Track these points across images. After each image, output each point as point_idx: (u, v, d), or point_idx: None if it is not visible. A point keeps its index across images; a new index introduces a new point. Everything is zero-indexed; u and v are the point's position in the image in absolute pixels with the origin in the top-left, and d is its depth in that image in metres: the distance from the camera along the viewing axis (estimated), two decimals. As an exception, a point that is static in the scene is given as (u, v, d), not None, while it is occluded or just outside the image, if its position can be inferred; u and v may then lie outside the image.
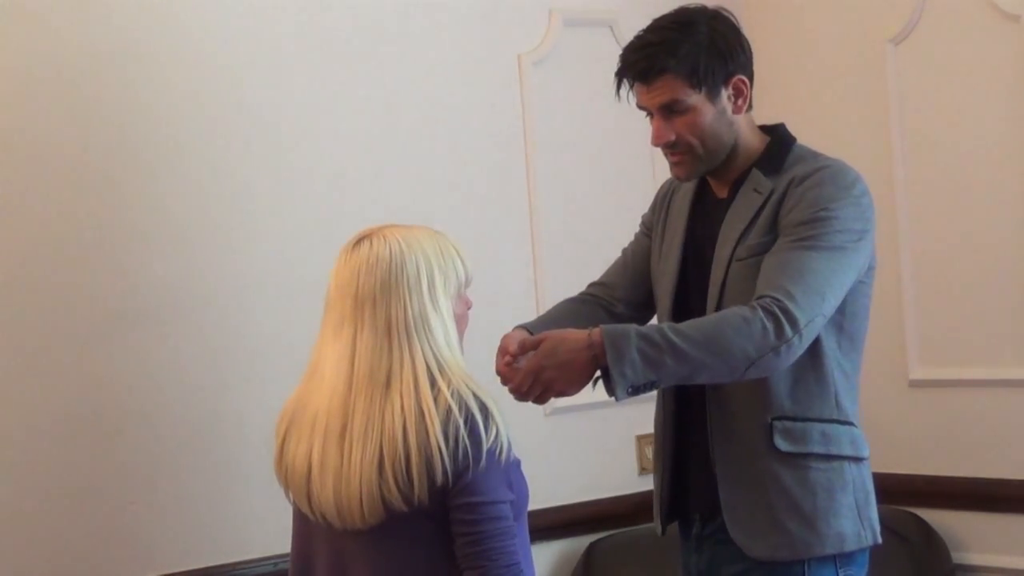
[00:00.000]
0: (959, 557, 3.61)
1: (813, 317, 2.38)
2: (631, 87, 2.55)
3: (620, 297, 2.77)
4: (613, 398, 2.36)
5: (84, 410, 3.01)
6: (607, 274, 2.84)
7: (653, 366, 2.32)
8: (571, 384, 2.38)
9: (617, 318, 2.70)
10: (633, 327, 2.36)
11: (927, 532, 3.59)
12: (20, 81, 2.99)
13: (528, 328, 2.62)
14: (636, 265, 2.78)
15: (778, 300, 2.36)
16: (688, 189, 2.68)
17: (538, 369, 2.37)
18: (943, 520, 3.62)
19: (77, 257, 3.03)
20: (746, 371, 2.37)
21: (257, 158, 3.25)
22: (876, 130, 3.73)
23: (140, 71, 3.11)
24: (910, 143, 3.68)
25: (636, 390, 2.35)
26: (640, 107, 2.58)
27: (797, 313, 2.35)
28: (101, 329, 3.04)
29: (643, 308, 2.76)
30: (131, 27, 3.10)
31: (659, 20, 2.56)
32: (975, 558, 3.61)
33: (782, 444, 2.49)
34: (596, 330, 2.35)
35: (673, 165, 2.59)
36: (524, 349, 2.42)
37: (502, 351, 2.51)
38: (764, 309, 2.35)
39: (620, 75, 2.54)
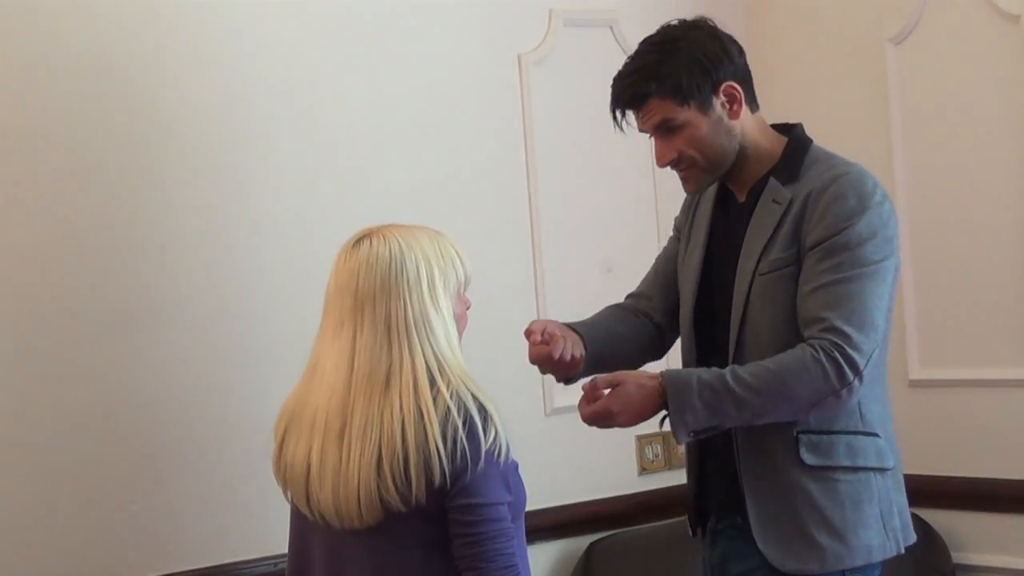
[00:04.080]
0: (959, 557, 3.61)
1: (871, 353, 2.42)
2: (624, 115, 2.59)
3: (656, 307, 2.80)
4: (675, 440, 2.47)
5: (85, 411, 3.01)
6: (641, 284, 2.87)
7: (715, 414, 2.41)
8: (637, 423, 2.47)
9: (657, 327, 2.78)
10: (696, 375, 2.43)
11: (927, 532, 3.59)
12: (24, 80, 2.98)
13: (576, 328, 2.66)
14: (667, 271, 2.81)
15: (837, 344, 2.39)
16: (712, 192, 2.69)
17: (610, 413, 2.45)
18: (943, 520, 3.62)
19: (80, 257, 3.03)
20: (807, 413, 2.45)
21: (258, 159, 3.24)
22: (876, 130, 3.73)
23: (142, 72, 3.11)
24: (910, 143, 3.68)
25: (698, 434, 2.45)
26: (641, 131, 2.61)
27: (857, 357, 2.39)
28: (103, 329, 3.04)
29: (677, 315, 2.77)
30: (135, 27, 3.10)
31: (643, 43, 2.59)
32: (975, 558, 3.61)
33: (809, 457, 2.50)
34: (662, 380, 2.43)
35: (682, 181, 2.63)
36: (598, 385, 2.46)
37: (533, 339, 2.59)
38: (824, 352, 2.39)
39: (612, 106, 2.58)
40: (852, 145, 3.59)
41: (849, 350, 2.39)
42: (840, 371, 2.39)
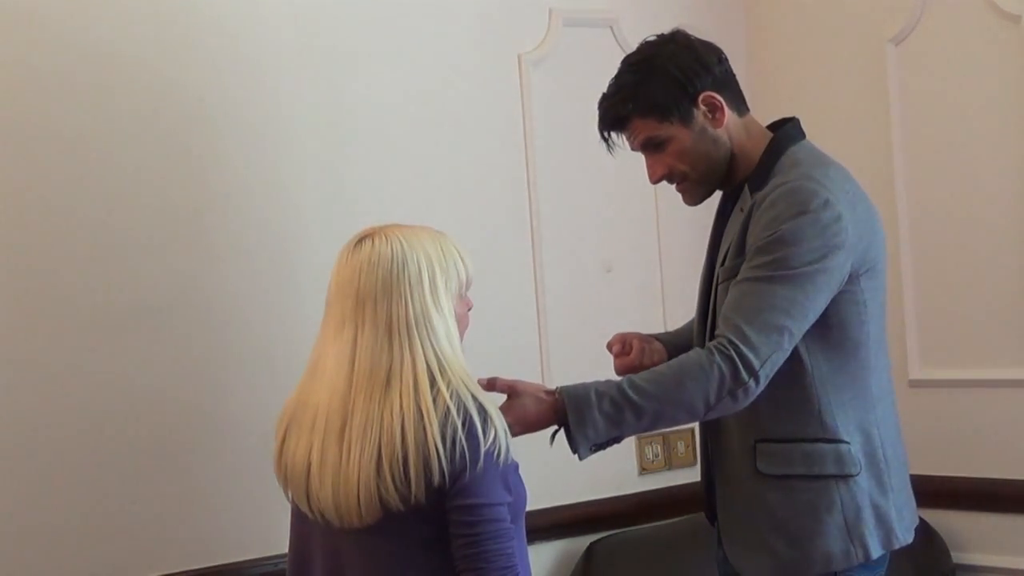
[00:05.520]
0: (959, 557, 3.62)
1: (770, 356, 2.39)
2: (611, 136, 2.63)
3: None
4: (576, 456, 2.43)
5: (85, 411, 3.01)
6: None
7: (615, 425, 2.40)
8: (525, 433, 2.44)
9: None
10: (593, 388, 2.41)
11: (927, 532, 3.59)
12: (22, 78, 2.98)
13: (659, 338, 2.75)
14: None
15: (733, 343, 2.38)
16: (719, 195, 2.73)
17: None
18: (943, 520, 3.62)
19: (80, 258, 3.02)
20: (705, 415, 2.43)
21: (257, 158, 3.24)
22: (876, 130, 3.73)
23: (145, 73, 3.11)
24: (910, 143, 3.68)
25: (599, 447, 2.43)
26: (632, 150, 2.65)
27: (751, 356, 2.37)
28: (103, 330, 3.04)
29: None
30: (138, 28, 3.10)
31: (622, 62, 2.63)
32: (975, 558, 3.61)
33: (764, 467, 2.51)
34: (559, 395, 2.41)
35: (681, 195, 2.66)
36: (493, 388, 2.44)
37: (615, 351, 2.70)
38: (720, 352, 2.38)
39: (599, 128, 2.62)
40: (852, 145, 3.61)
41: (744, 349, 2.37)
42: (735, 371, 2.37)
